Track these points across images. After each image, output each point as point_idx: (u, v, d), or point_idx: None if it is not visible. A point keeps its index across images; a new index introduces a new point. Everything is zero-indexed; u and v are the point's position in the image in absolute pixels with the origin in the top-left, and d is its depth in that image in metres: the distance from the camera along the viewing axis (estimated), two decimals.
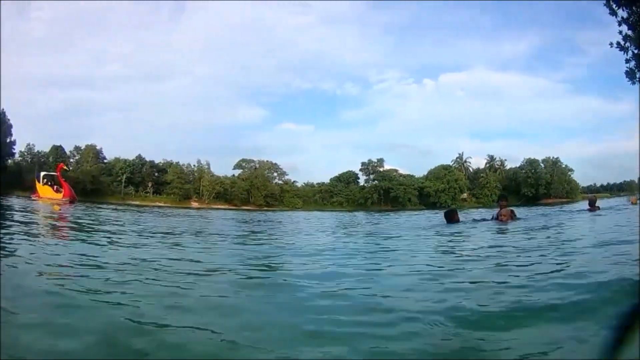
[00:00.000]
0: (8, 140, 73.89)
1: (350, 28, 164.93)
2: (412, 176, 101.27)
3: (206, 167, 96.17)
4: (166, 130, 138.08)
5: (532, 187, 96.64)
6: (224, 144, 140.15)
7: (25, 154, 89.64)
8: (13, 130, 74.77)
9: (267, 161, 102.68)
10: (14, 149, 77.97)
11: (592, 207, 16.90)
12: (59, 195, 39.96)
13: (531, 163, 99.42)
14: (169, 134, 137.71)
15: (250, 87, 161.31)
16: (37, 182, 43.56)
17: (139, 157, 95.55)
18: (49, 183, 43.87)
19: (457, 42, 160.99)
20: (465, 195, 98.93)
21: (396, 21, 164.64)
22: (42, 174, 46.01)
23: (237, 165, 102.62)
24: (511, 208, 13.69)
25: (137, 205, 56.95)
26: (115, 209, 30.89)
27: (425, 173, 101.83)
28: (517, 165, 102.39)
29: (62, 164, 50.34)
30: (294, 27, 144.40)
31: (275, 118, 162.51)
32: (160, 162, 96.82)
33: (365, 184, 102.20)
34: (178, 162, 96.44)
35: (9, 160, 78.11)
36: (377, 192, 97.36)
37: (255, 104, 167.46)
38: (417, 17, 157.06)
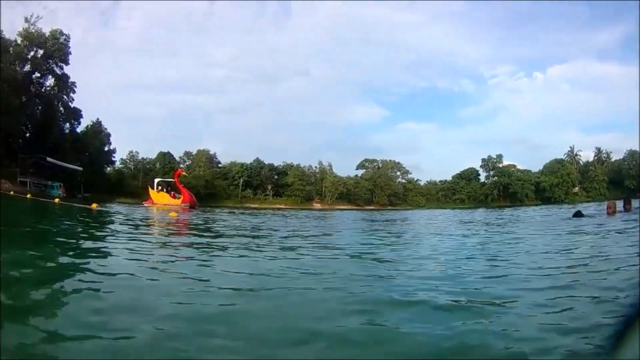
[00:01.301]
0: (106, 148, 71.99)
1: (458, 24, 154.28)
2: (528, 171, 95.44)
3: (328, 168, 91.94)
4: (284, 132, 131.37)
5: (634, 179, 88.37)
6: (345, 144, 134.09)
7: (128, 161, 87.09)
8: (112, 139, 72.99)
9: (390, 160, 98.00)
10: (114, 157, 75.95)
11: None
12: (177, 201, 36.36)
13: (632, 155, 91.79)
14: (287, 137, 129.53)
15: (369, 86, 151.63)
16: (150, 189, 39.92)
17: (257, 160, 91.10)
18: (164, 189, 40.03)
19: (558, 34, 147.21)
20: (576, 189, 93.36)
21: (499, 15, 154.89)
22: (157, 180, 42.25)
23: (360, 165, 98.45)
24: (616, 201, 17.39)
25: (256, 208, 54.75)
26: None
27: (540, 167, 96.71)
28: (621, 158, 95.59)
29: (180, 169, 47.61)
30: (403, 25, 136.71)
31: (396, 117, 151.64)
32: (279, 165, 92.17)
33: (485, 181, 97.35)
34: (299, 164, 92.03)
35: (108, 168, 76.04)
36: (497, 189, 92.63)
37: (374, 103, 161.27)
38: (518, 9, 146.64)
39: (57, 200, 25.21)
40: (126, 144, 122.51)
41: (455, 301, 3.83)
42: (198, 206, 38.11)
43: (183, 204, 35.47)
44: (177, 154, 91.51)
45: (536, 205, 67.55)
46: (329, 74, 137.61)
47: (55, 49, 55.76)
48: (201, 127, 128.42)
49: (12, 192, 31.10)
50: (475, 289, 4.45)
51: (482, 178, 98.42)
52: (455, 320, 3.28)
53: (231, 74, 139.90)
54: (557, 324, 3.02)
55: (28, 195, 27.79)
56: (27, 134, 56.60)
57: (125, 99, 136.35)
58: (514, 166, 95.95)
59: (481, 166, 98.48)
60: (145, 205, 35.66)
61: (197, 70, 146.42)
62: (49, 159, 46.70)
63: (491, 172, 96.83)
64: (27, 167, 46.37)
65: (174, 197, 38.21)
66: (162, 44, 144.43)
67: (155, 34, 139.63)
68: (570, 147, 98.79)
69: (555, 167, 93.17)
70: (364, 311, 3.57)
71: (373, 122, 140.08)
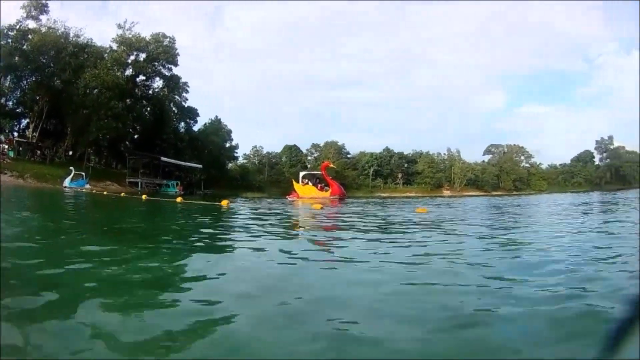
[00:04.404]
0: (227, 144, 69.28)
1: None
2: (635, 152, 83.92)
3: (456, 154, 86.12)
4: (410, 122, 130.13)
5: None
6: (469, 131, 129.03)
7: (252, 156, 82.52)
8: (234, 135, 71.00)
9: (514, 145, 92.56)
10: (236, 152, 73.33)
11: None
12: (326, 194, 31.76)
13: None
14: (414, 126, 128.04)
15: (490, 71, 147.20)
16: (295, 183, 34.84)
17: (387, 149, 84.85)
18: (310, 182, 34.86)
19: None
20: None
21: None
22: (302, 173, 37.63)
23: (487, 151, 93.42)
24: None
25: (387, 197, 49.94)
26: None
27: None
28: None
29: (327, 162, 42.03)
30: (522, 5, 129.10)
31: (516, 101, 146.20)
32: (409, 153, 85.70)
33: (599, 163, 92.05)
34: (428, 151, 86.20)
35: (230, 164, 72.63)
36: (609, 171, 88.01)
37: (496, 88, 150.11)
38: None
39: (179, 199, 19.35)
40: (250, 141, 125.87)
41: None
42: (346, 197, 33.49)
43: (332, 196, 31.04)
44: (304, 147, 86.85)
45: None
46: (454, 62, 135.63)
47: (160, 51, 51.56)
48: (328, 121, 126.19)
49: (122, 194, 25.34)
50: None
51: (597, 160, 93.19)
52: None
53: (359, 68, 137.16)
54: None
55: (143, 197, 21.49)
56: (136, 136, 52.78)
57: (250, 97, 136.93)
58: (623, 147, 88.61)
59: (595, 148, 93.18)
60: (289, 199, 30.52)
61: (320, 66, 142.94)
62: (163, 158, 44.18)
63: (604, 155, 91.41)
64: (136, 168, 44.73)
65: (322, 189, 33.00)
66: (281, 43, 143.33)
67: (273, 34, 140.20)
68: None
69: None
70: None
71: (495, 107, 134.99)
